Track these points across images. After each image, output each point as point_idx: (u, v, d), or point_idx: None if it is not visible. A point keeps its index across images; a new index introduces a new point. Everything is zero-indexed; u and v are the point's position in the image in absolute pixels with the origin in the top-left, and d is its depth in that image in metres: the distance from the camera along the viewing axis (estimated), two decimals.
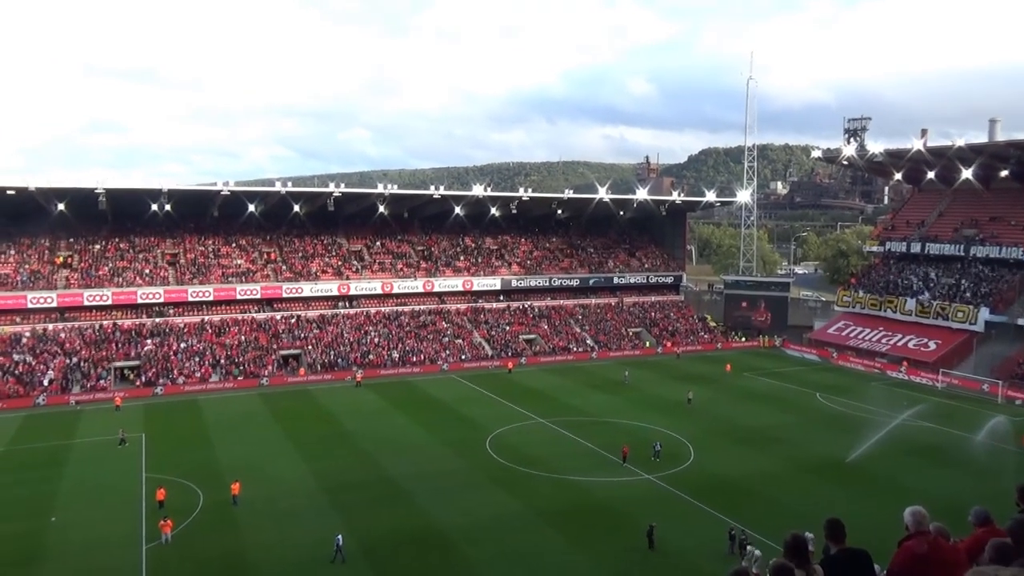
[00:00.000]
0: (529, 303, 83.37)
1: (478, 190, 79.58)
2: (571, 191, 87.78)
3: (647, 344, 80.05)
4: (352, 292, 75.97)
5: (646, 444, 43.29)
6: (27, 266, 66.82)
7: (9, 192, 60.14)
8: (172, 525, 31.45)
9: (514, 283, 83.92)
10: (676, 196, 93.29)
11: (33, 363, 59.45)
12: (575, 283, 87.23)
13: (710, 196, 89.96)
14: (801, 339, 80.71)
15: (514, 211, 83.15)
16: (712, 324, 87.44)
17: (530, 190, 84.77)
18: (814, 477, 39.31)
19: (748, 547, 27.76)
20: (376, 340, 71.12)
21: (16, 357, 59.75)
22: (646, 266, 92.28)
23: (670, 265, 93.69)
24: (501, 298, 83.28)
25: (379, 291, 77.00)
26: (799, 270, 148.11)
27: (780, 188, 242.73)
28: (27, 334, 62.81)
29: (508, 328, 77.85)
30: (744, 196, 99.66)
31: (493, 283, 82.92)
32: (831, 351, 74.89)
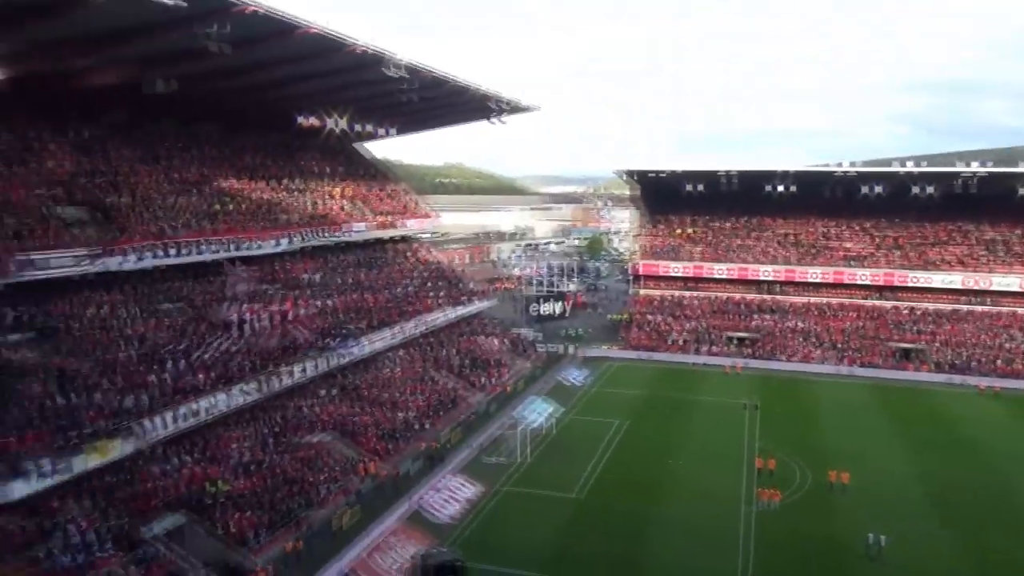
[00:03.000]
0: None
1: None
2: None
3: None
4: (985, 287, 66.67)
5: None
6: (666, 239, 77.50)
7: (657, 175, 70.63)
8: (779, 496, 33.66)
9: None
10: None
11: (669, 323, 69.19)
12: None
13: None
14: None
15: None
16: None
17: None
18: None
19: None
20: (1015, 345, 61.22)
21: (653, 317, 70.36)
22: None
23: None
24: None
25: (1018, 288, 65.86)
26: None
27: None
28: (663, 297, 73.33)
29: None
30: None
31: None
32: None
